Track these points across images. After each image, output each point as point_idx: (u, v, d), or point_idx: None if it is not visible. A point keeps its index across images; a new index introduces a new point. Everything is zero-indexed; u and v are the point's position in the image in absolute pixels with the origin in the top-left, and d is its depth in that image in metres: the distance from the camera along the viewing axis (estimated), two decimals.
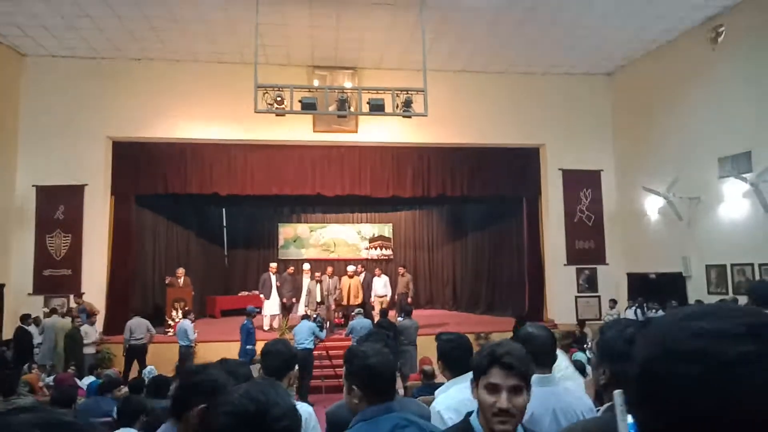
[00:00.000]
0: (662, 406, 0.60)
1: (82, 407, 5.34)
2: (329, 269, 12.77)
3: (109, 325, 11.16)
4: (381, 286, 12.70)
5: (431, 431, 1.99)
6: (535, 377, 2.28)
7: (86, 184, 11.49)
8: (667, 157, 11.32)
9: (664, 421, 0.61)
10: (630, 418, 1.55)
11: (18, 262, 11.18)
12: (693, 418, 0.57)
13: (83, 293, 11.07)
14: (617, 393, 1.61)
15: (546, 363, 2.35)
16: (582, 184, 12.93)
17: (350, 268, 12.94)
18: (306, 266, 13.09)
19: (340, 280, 12.55)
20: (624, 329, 1.68)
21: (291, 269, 12.73)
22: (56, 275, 11.28)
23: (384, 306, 12.12)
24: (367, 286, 12.68)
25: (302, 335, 8.83)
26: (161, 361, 9.28)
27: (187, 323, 9.94)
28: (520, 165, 12.96)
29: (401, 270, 13.26)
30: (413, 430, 1.92)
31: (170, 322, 11.35)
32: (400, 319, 9.64)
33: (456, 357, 2.73)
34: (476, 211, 16.21)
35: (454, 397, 2.39)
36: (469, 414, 1.89)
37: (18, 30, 10.46)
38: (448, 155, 12.76)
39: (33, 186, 11.37)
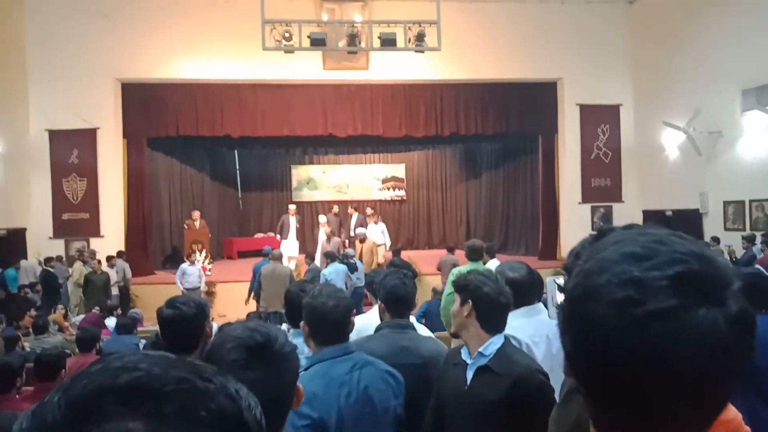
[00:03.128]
0: (581, 343, 0.60)
1: (106, 345, 5.53)
2: (327, 229, 11.39)
3: (130, 266, 11.43)
4: (378, 233, 11.69)
5: (385, 370, 2.01)
6: (522, 309, 2.42)
7: (98, 128, 11.45)
8: (688, 90, 10.92)
9: (581, 355, 0.60)
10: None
11: (37, 206, 11.35)
12: (607, 365, 0.57)
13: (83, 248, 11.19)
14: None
15: (529, 297, 2.49)
16: (600, 119, 12.62)
17: (360, 231, 11.31)
18: (322, 218, 12.49)
19: (346, 243, 11.48)
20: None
21: (336, 209, 12.78)
22: (75, 219, 11.46)
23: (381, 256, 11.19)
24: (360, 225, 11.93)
25: (338, 282, 8.21)
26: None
27: (184, 266, 9.71)
28: (536, 101, 12.64)
29: (371, 212, 12.99)
30: (370, 371, 1.94)
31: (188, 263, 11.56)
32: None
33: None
34: (490, 150, 16.02)
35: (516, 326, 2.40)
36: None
37: None
38: (461, 92, 12.46)
39: (46, 130, 11.37)
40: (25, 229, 11.12)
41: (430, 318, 6.25)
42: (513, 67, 12.16)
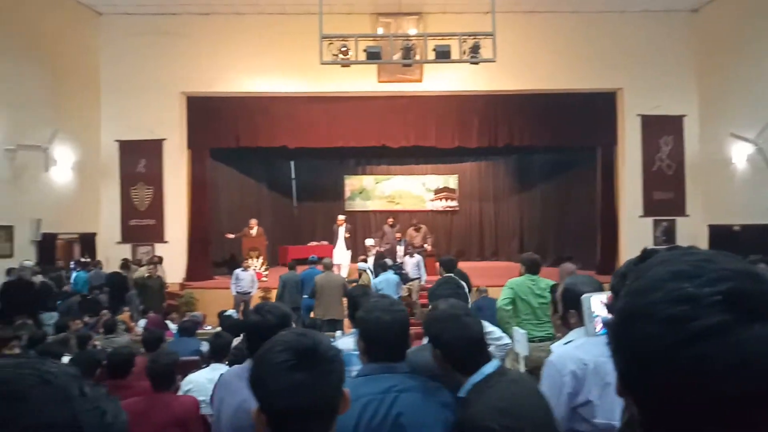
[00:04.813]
0: (634, 362, 0.60)
1: (170, 346, 5.78)
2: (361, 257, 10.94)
3: (191, 271, 11.95)
4: (412, 266, 10.68)
5: (443, 402, 1.76)
6: (585, 328, 2.26)
7: (165, 139, 12.04)
8: (757, 100, 10.39)
9: (634, 374, 0.60)
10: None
11: (106, 212, 12.03)
12: (661, 383, 0.57)
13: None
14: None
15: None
16: (662, 130, 12.18)
17: (361, 266, 10.20)
18: (368, 242, 12.44)
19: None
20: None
21: (390, 220, 12.93)
22: (141, 225, 12.06)
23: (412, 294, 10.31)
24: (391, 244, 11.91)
25: (390, 291, 8.27)
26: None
27: (237, 271, 10.20)
28: (594, 111, 12.33)
29: (415, 222, 12.96)
30: (413, 398, 1.72)
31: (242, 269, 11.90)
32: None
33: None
34: (545, 161, 15.72)
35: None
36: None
37: None
38: (516, 103, 12.33)
39: (116, 141, 12.05)
40: (95, 234, 11.79)
41: (483, 313, 6.15)
42: (570, 78, 11.94)
